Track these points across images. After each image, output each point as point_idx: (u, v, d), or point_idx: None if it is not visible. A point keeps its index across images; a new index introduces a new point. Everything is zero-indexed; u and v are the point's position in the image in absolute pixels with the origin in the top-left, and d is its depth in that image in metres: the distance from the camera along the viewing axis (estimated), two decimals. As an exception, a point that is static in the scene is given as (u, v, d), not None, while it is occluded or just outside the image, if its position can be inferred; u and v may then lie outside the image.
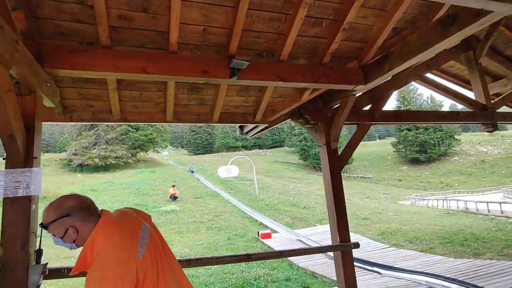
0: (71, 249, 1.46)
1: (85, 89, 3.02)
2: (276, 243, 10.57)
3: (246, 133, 4.51)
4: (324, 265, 7.65)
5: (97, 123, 3.16)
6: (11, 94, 1.99)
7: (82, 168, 33.55)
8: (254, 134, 4.44)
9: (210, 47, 2.78)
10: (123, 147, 35.98)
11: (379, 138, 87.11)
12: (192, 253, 9.69)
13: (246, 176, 28.48)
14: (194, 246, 10.51)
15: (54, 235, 1.41)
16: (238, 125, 4.47)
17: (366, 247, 9.08)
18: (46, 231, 1.41)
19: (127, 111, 3.34)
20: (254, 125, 4.12)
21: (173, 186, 20.79)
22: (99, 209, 1.52)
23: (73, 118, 3.22)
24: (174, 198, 19.43)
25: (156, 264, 1.39)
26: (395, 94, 56.26)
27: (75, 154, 33.73)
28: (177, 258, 1.85)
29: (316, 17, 2.71)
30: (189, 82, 3.12)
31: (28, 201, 2.09)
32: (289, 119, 3.99)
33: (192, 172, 32.97)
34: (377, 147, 63.68)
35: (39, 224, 1.42)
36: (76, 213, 1.40)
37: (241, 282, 6.50)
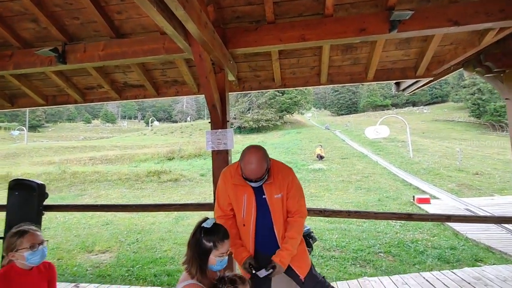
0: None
1: (253, 62, 3.56)
2: (435, 210, 9.50)
3: (404, 89, 4.15)
4: (504, 241, 6.40)
5: (263, 90, 3.68)
6: (212, 73, 2.64)
7: (241, 130, 39.30)
8: (415, 90, 4.03)
9: (366, 2, 2.68)
10: (271, 111, 39.51)
11: None
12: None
13: (397, 137, 25.95)
14: (344, 204, 10.84)
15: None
16: (394, 81, 4.16)
17: None
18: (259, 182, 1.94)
19: (286, 78, 3.72)
20: (414, 80, 3.75)
21: (319, 147, 21.52)
22: None
23: (245, 88, 3.87)
24: (320, 157, 20.17)
25: None
26: None
27: (235, 118, 39.59)
28: (334, 209, 2.33)
29: None
30: (344, 43, 3.14)
31: (226, 153, 2.81)
32: (461, 69, 3.41)
33: (328, 129, 36.23)
34: None
35: (252, 182, 1.94)
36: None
37: (396, 242, 6.33)
